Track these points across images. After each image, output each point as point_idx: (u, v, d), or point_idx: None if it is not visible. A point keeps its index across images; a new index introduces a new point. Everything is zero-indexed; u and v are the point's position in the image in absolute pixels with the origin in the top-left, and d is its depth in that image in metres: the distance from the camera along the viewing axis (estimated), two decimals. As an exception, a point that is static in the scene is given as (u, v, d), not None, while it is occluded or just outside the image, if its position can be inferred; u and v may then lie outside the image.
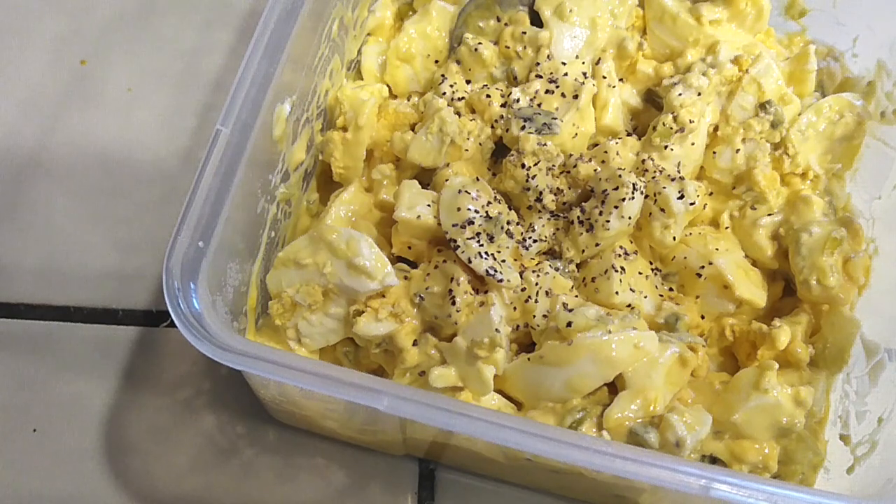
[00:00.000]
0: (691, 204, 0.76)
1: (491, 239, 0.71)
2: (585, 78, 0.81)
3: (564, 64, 0.81)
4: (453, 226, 0.71)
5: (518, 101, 0.79)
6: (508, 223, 0.74)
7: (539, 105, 0.80)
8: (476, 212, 0.72)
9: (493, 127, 0.80)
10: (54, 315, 0.86)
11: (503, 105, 0.80)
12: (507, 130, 0.79)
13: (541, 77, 0.81)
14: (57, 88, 0.97)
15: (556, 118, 0.78)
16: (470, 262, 0.70)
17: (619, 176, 0.74)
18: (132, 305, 0.86)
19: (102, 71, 0.99)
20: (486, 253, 0.70)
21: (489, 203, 0.74)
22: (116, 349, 0.84)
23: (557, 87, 0.80)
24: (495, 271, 0.70)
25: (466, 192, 0.73)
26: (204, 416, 0.82)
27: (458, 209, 0.72)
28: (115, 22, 1.01)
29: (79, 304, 0.86)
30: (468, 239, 0.70)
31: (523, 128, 0.78)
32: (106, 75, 0.98)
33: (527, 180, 0.76)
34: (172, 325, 0.85)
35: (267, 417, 0.81)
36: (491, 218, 0.72)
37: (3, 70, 0.98)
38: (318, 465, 0.80)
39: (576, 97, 0.79)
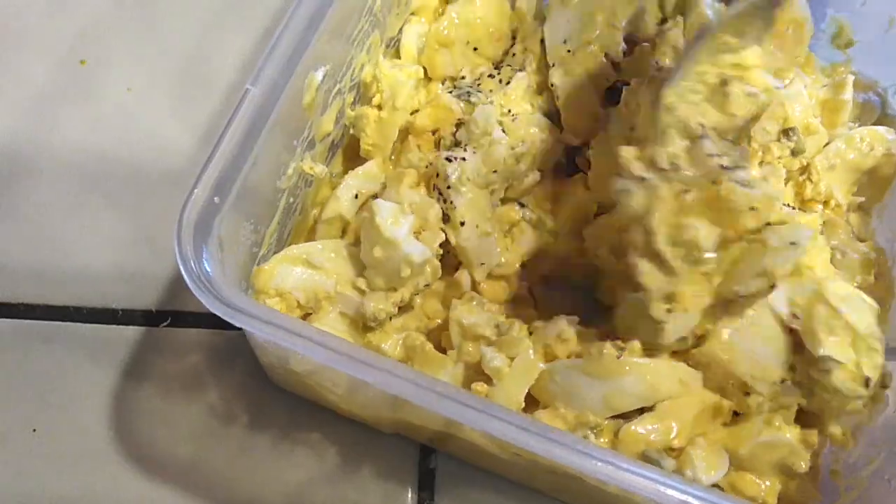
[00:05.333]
0: None
1: None
2: None
3: None
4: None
5: None
6: None
7: None
8: None
9: None
10: (54, 315, 0.86)
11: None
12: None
13: None
14: (57, 88, 0.97)
15: None
16: None
17: None
18: (132, 305, 0.86)
19: (102, 71, 0.98)
20: None
21: None
22: (116, 349, 0.84)
23: None
24: None
25: None
26: (204, 417, 0.81)
27: None
28: (115, 22, 1.01)
29: (78, 304, 0.86)
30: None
31: None
32: (106, 75, 0.98)
33: None
34: (172, 324, 0.85)
35: (271, 421, 0.81)
36: None
37: (2, 70, 0.98)
38: (319, 453, 0.80)
39: None
